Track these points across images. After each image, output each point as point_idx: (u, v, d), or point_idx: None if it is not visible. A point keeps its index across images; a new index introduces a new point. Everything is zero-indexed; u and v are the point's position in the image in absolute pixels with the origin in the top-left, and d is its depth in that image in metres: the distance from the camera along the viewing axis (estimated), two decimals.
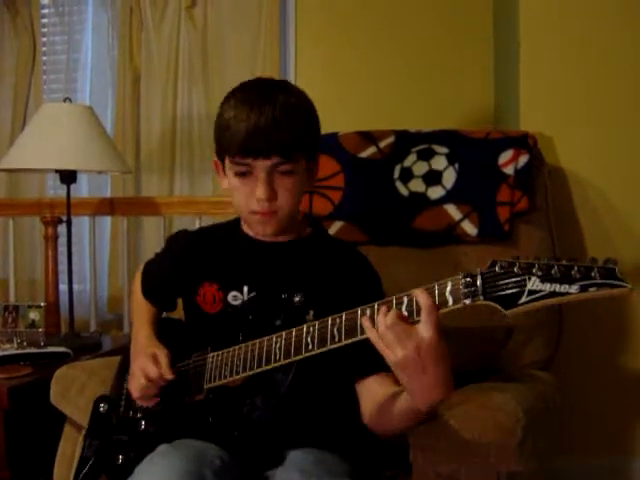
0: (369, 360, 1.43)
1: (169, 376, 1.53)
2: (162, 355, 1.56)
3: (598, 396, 2.47)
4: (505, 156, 2.15)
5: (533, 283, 1.07)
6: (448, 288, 1.18)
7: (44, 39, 3.58)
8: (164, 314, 1.83)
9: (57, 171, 2.76)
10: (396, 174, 2.21)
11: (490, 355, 1.94)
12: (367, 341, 1.27)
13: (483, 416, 1.45)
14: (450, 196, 2.15)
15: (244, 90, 1.54)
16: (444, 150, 2.20)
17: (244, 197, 1.52)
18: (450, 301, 1.17)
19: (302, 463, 1.43)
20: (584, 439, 2.47)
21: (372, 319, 1.25)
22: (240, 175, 1.51)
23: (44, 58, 3.58)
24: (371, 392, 1.49)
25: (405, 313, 1.22)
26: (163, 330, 1.72)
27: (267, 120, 1.45)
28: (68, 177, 2.73)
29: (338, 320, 1.31)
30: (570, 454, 2.42)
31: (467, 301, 1.15)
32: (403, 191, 2.19)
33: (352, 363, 1.51)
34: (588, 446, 2.48)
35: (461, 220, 2.12)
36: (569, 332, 2.18)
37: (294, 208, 1.57)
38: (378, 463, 1.58)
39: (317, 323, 1.34)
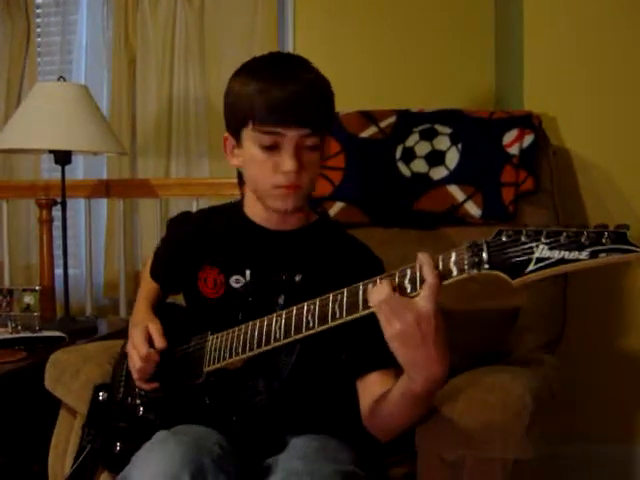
0: (370, 356, 1.41)
1: (161, 345, 1.51)
2: (153, 326, 1.55)
3: (603, 381, 2.45)
4: (510, 136, 2.11)
5: (541, 250, 1.03)
6: (452, 258, 1.14)
7: (38, 20, 3.53)
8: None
9: (51, 152, 2.71)
10: (398, 154, 2.17)
11: (495, 338, 1.92)
12: (370, 335, 1.25)
13: (490, 401, 1.41)
14: (453, 177, 2.12)
15: (262, 63, 1.49)
16: (447, 130, 2.16)
17: (268, 171, 1.45)
18: (455, 271, 1.13)
19: (304, 450, 1.39)
20: (588, 424, 2.45)
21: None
22: (266, 148, 1.44)
23: (38, 39, 3.53)
24: (370, 390, 1.45)
25: (408, 286, 1.18)
26: (164, 315, 1.68)
27: (296, 91, 1.41)
28: (63, 158, 2.70)
29: (339, 296, 1.27)
30: (574, 439, 2.40)
31: (472, 271, 1.10)
32: (405, 172, 2.16)
33: (353, 359, 1.47)
34: (590, 431, 2.46)
35: (465, 201, 2.09)
36: (574, 316, 2.15)
37: (314, 184, 1.53)
38: (382, 450, 1.54)
39: (318, 300, 1.30)
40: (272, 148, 1.44)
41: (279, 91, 1.41)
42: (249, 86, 1.44)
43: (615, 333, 2.46)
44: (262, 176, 1.47)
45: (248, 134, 1.46)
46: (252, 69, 1.48)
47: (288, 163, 1.42)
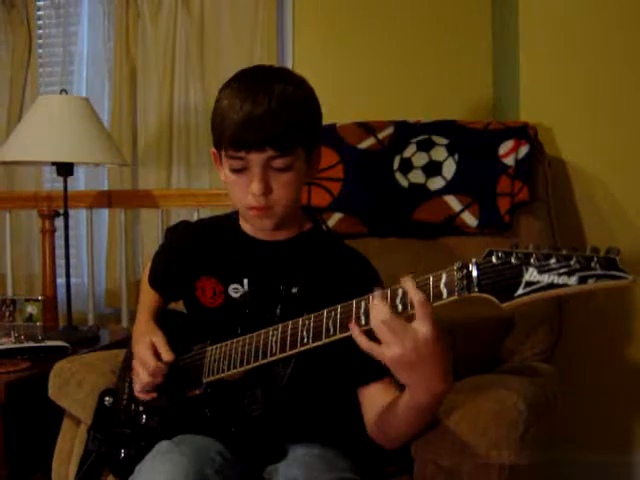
0: (370, 366, 1.40)
1: (169, 358, 1.53)
2: (158, 339, 1.56)
3: (599, 389, 2.46)
4: (505, 147, 2.13)
5: (530, 274, 1.03)
6: (443, 280, 1.14)
7: (40, 31, 3.54)
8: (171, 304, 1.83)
9: (54, 163, 2.74)
10: (396, 165, 2.19)
11: (491, 346, 1.93)
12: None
13: (485, 409, 1.43)
14: (450, 187, 2.13)
15: (241, 79, 1.48)
16: (444, 141, 2.18)
17: (240, 192, 1.47)
18: (445, 293, 1.14)
19: (304, 458, 1.41)
20: (584, 432, 2.46)
21: (365, 315, 1.23)
22: (236, 171, 1.46)
23: (40, 51, 3.54)
24: (372, 401, 1.46)
25: (400, 306, 1.20)
26: (165, 322, 1.70)
27: (261, 111, 1.39)
28: (65, 169, 2.72)
29: (333, 313, 1.28)
30: (570, 447, 2.41)
31: (463, 293, 1.11)
32: (403, 182, 2.18)
33: (353, 370, 1.47)
34: (588, 439, 2.47)
35: (461, 211, 2.11)
36: (570, 324, 2.16)
37: (292, 202, 1.51)
38: (380, 458, 1.56)
39: (312, 316, 1.32)
40: (242, 170, 1.45)
41: (241, 114, 1.40)
42: (220, 105, 1.46)
43: (613, 340, 2.48)
44: (236, 197, 1.50)
45: (223, 156, 1.49)
46: (230, 86, 1.48)
47: (254, 186, 1.43)
